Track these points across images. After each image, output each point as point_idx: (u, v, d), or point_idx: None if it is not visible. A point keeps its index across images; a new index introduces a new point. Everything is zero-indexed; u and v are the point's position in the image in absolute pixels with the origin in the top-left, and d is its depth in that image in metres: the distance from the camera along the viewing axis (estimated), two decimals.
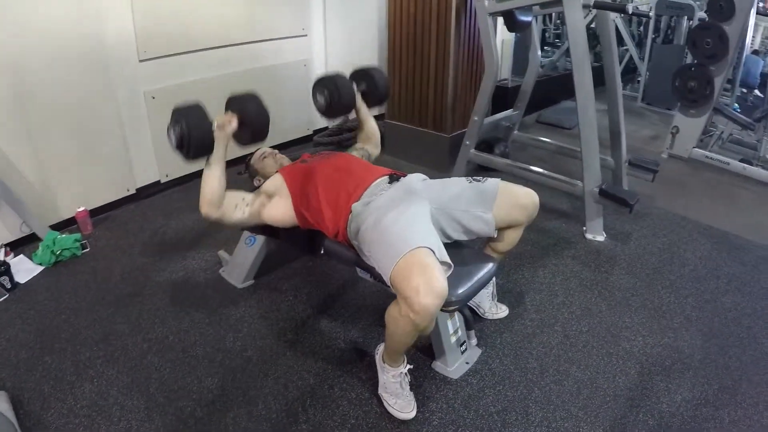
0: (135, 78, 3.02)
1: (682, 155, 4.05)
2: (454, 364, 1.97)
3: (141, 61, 3.01)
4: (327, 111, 2.19)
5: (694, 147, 3.99)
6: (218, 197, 1.83)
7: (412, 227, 1.64)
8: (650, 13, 5.04)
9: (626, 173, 3.30)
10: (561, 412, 1.80)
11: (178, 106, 1.79)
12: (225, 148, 1.84)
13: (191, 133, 1.73)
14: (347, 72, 2.30)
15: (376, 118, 2.43)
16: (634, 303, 2.38)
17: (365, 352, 2.05)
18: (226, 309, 2.29)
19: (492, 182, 1.90)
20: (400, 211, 1.70)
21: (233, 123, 1.84)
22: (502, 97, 4.36)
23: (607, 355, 2.06)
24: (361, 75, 2.31)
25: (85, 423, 1.72)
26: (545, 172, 3.16)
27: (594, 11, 3.41)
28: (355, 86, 2.24)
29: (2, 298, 2.33)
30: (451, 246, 1.86)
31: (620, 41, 5.91)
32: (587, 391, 1.89)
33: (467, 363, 2.00)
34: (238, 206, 1.91)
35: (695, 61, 3.83)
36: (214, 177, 1.82)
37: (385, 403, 1.80)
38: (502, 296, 2.35)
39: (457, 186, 1.91)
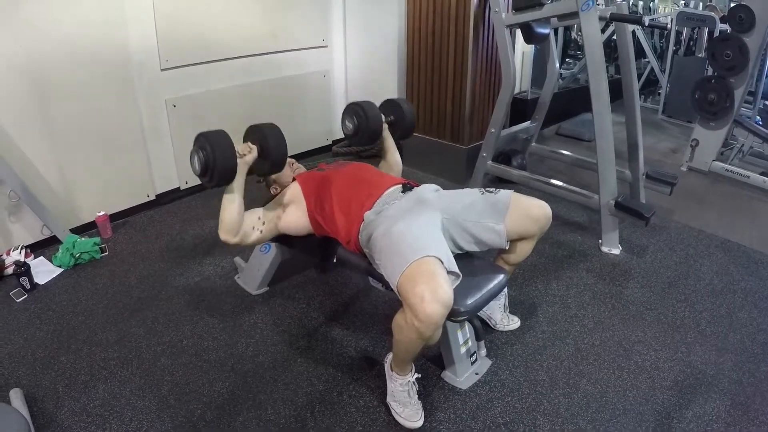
0: (157, 86, 3.09)
1: (702, 168, 4.00)
2: (464, 375, 1.97)
3: (163, 69, 3.08)
4: (354, 136, 2.26)
5: (713, 160, 3.93)
6: (237, 224, 1.89)
7: (421, 236, 1.66)
8: (668, 26, 5.01)
9: (644, 186, 3.27)
10: (569, 426, 1.79)
11: (203, 132, 1.81)
12: (244, 176, 1.89)
13: (217, 159, 1.75)
14: (378, 101, 2.35)
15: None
16: (648, 317, 2.35)
17: (375, 360, 2.05)
18: (240, 315, 2.32)
19: (504, 193, 1.90)
20: (411, 220, 1.72)
21: (253, 152, 1.89)
22: (522, 109, 4.37)
23: (618, 369, 2.04)
24: (391, 106, 2.39)
25: (97, 422, 1.75)
26: (561, 184, 3.14)
27: (614, 24, 3.40)
28: (383, 117, 2.30)
29: (21, 299, 2.39)
30: (463, 257, 1.87)
31: (642, 53, 5.88)
32: (596, 404, 1.87)
33: (477, 374, 2.00)
34: (255, 227, 1.98)
35: (715, 74, 3.79)
36: (233, 205, 1.87)
37: (392, 412, 1.80)
38: (514, 308, 2.34)
39: (469, 197, 1.93)
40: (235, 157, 1.80)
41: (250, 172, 1.95)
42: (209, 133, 1.80)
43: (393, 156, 2.41)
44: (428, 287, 1.47)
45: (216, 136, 1.79)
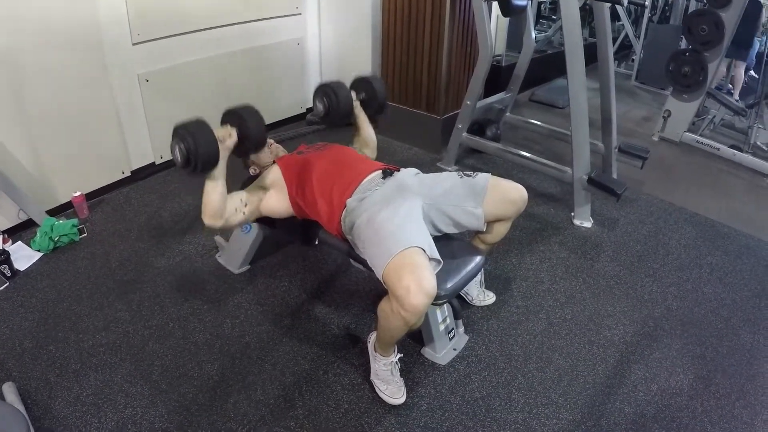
0: (129, 61, 3.00)
1: (673, 139, 4.10)
2: (442, 351, 2.05)
3: (134, 44, 2.99)
4: (325, 117, 2.25)
5: (685, 131, 4.03)
6: (221, 209, 1.88)
7: (404, 226, 1.70)
8: (646, 3, 5.01)
9: (616, 159, 3.35)
10: (542, 399, 1.90)
11: (181, 123, 1.77)
12: (226, 161, 1.87)
13: (199, 149, 1.72)
14: (353, 70, 2.33)
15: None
16: (618, 291, 2.46)
17: (357, 338, 2.12)
18: (224, 295, 2.35)
19: (482, 177, 1.95)
20: (393, 209, 1.76)
21: (233, 136, 1.86)
22: (495, 76, 4.34)
23: (589, 344, 2.15)
24: (361, 83, 2.37)
25: (92, 411, 1.78)
26: (535, 157, 3.19)
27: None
28: (354, 94, 2.28)
29: (3, 287, 2.34)
30: (441, 239, 1.93)
31: (616, 16, 5.87)
32: (568, 378, 1.99)
33: (455, 350, 2.09)
34: (238, 209, 1.96)
35: (690, 47, 3.84)
36: (217, 191, 1.84)
37: (376, 389, 1.89)
38: (489, 283, 2.42)
39: (448, 181, 1.97)
40: (216, 144, 1.78)
41: (231, 154, 1.93)
42: (187, 123, 1.77)
43: (366, 131, 2.39)
44: (413, 279, 1.53)
45: (195, 125, 1.76)
